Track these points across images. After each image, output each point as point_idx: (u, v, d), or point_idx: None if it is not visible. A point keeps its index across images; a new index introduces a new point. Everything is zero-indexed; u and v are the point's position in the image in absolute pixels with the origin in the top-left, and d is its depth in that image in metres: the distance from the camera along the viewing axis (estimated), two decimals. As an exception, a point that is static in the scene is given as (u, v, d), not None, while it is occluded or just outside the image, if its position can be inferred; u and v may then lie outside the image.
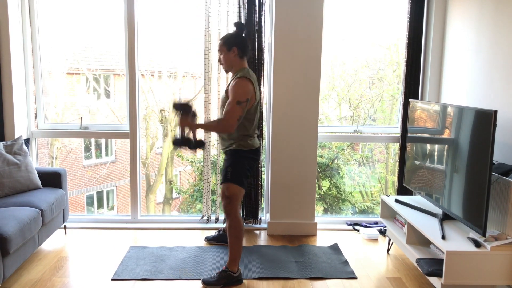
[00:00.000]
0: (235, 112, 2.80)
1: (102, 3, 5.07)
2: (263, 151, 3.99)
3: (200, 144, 2.96)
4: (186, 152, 2.86)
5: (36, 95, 4.04)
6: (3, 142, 3.54)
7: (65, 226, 3.87)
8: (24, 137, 3.90)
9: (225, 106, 2.87)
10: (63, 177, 3.72)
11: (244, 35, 3.05)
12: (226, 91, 2.97)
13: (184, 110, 2.83)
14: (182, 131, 2.88)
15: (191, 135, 2.92)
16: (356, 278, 3.13)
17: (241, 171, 3.01)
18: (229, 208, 3.00)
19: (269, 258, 3.41)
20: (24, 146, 3.61)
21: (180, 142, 2.89)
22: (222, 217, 4.09)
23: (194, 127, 2.89)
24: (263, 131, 3.96)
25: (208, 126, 3.16)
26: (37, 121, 4.07)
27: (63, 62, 5.78)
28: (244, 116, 2.91)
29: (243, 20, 3.76)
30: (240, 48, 2.96)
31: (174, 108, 2.85)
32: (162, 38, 6.72)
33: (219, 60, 3.05)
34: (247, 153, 3.03)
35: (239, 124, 2.90)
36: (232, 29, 3.78)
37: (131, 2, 3.84)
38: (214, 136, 3.97)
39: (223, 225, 4.04)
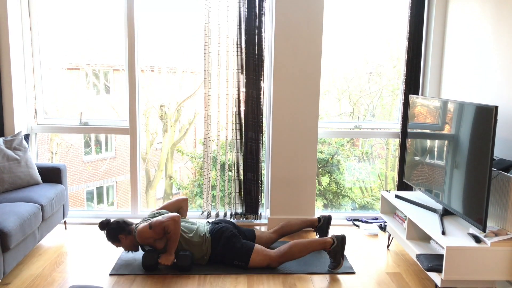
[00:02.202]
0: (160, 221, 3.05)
1: (101, -2, 5.07)
2: (263, 147, 3.99)
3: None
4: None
5: (36, 91, 4.03)
6: (3, 138, 3.54)
7: (65, 221, 3.87)
8: (24, 132, 3.90)
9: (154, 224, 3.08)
10: (63, 172, 3.72)
11: (110, 223, 3.25)
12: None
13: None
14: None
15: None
16: (354, 273, 3.14)
17: (235, 248, 3.13)
18: (272, 265, 3.12)
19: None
20: (24, 142, 3.60)
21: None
22: (222, 212, 4.09)
23: (170, 253, 3.09)
24: (263, 127, 3.96)
25: (171, 240, 3.09)
26: (37, 117, 4.06)
27: (63, 58, 5.77)
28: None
29: (243, 15, 3.75)
30: (123, 232, 3.18)
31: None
32: (162, 33, 6.69)
33: (125, 250, 3.26)
34: (216, 241, 3.19)
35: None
36: (231, 24, 3.77)
37: (131, -3, 3.82)
38: (214, 132, 3.96)
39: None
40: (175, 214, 3.08)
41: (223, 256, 3.17)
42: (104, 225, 3.23)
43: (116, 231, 3.18)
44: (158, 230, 3.02)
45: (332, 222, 4.14)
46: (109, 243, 3.26)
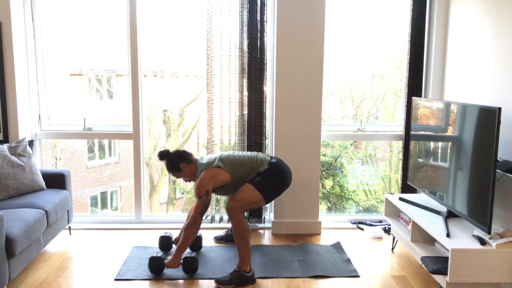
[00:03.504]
0: (198, 207, 3.01)
1: (104, 4, 5.09)
2: (266, 150, 3.99)
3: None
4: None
5: (40, 97, 4.05)
6: (7, 144, 3.55)
7: (69, 227, 3.88)
8: (28, 138, 3.92)
9: None
10: (67, 178, 3.73)
11: (170, 152, 3.23)
12: None
13: None
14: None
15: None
16: (358, 276, 3.13)
17: (269, 183, 3.08)
18: (231, 210, 3.00)
19: (272, 257, 3.41)
20: (28, 148, 3.62)
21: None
22: (226, 216, 4.09)
23: (178, 256, 3.07)
24: (266, 130, 3.96)
25: (184, 240, 3.05)
26: (41, 123, 4.08)
27: (66, 64, 5.80)
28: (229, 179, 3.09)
29: (245, 20, 3.76)
30: (184, 160, 3.17)
31: None
32: (164, 39, 6.72)
33: (185, 180, 3.24)
34: (271, 171, 3.10)
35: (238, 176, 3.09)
36: (233, 28, 3.79)
37: (133, 2, 3.84)
38: (217, 136, 3.97)
39: (228, 225, 4.05)
40: (199, 222, 3.02)
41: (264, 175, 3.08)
42: (164, 154, 3.20)
43: (178, 159, 3.16)
44: (196, 204, 3.04)
45: (337, 225, 4.15)
46: (170, 174, 3.20)
